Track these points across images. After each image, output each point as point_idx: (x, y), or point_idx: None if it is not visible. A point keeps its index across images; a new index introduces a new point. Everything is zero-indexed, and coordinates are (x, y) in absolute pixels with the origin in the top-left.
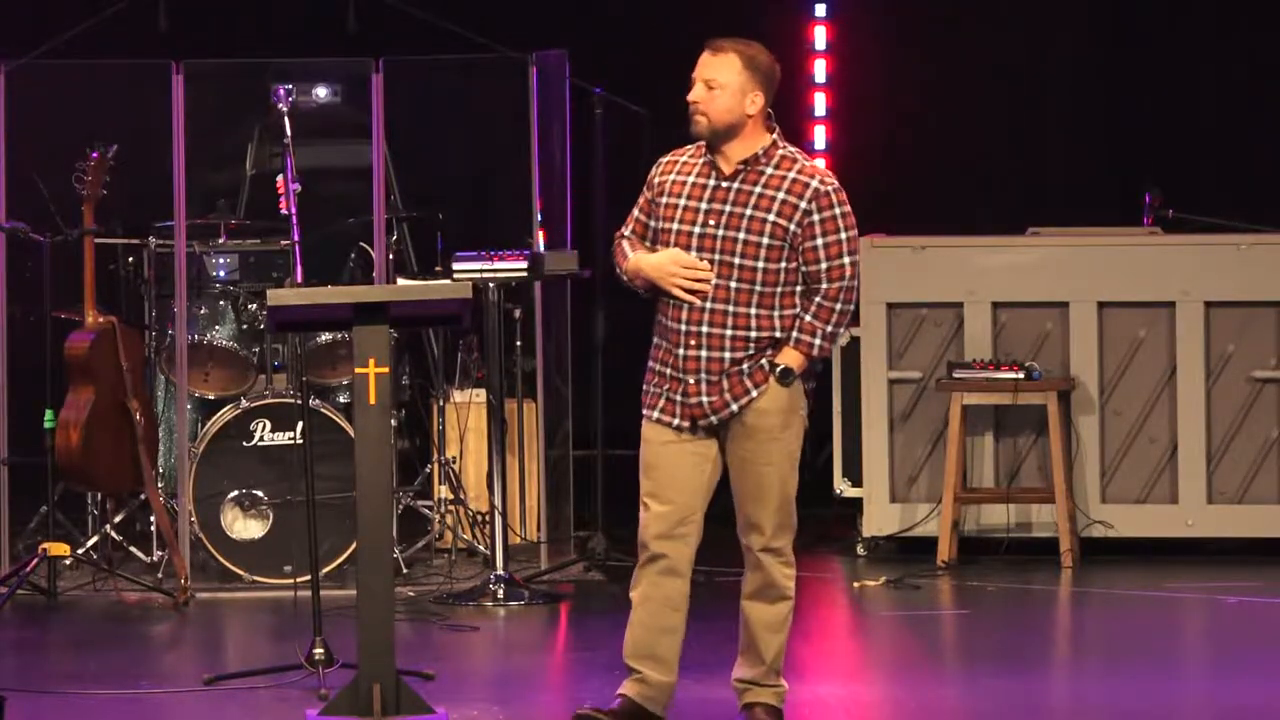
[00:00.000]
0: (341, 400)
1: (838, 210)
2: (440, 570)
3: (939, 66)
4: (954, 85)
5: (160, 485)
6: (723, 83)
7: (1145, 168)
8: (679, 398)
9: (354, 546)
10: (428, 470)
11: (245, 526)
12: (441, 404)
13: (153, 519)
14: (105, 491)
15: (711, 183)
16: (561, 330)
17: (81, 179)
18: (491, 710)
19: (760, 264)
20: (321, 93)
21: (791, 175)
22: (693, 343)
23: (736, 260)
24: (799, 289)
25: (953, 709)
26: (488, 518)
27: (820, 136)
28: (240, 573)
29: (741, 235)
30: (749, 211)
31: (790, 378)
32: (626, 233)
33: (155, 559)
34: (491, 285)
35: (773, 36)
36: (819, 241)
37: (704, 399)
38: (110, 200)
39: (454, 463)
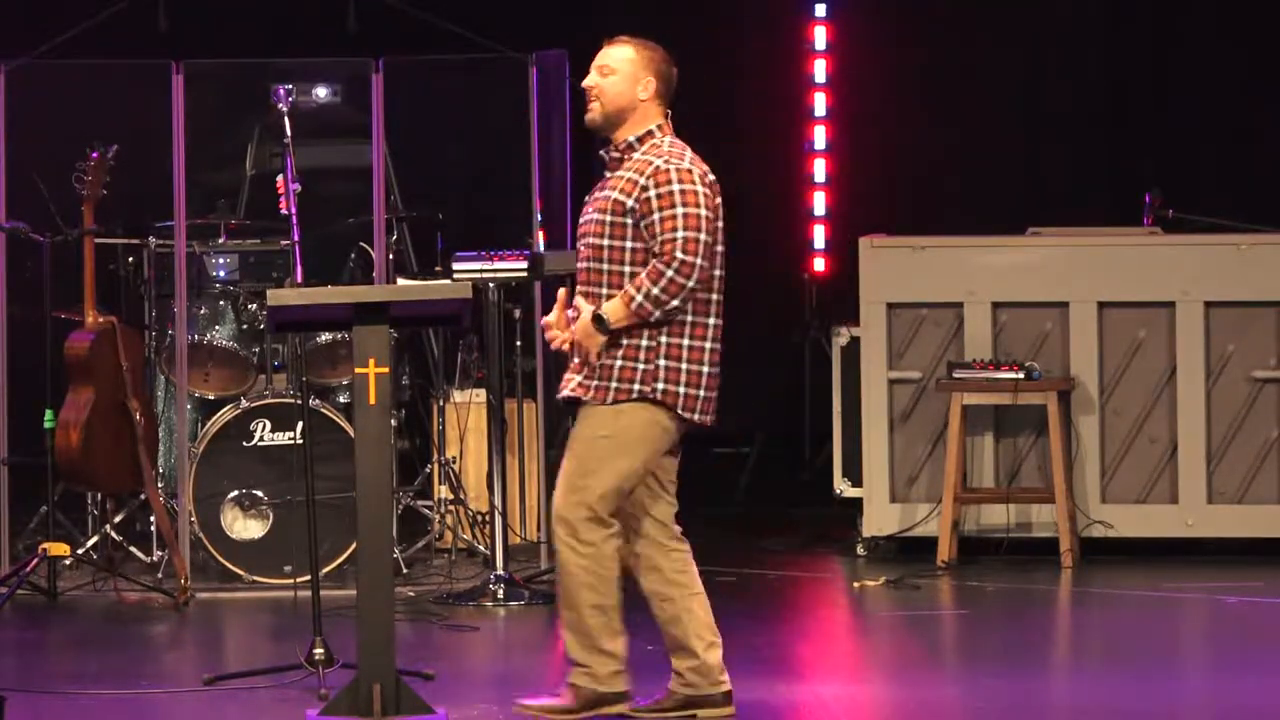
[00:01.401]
0: (342, 400)
1: (675, 187)
2: (440, 570)
3: (939, 66)
4: (954, 85)
5: (160, 485)
6: (614, 68)
7: (1145, 168)
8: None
9: (354, 546)
10: (428, 470)
11: (245, 526)
12: (441, 404)
13: (153, 519)
14: (105, 491)
15: (607, 172)
16: None
17: (81, 179)
18: (491, 710)
19: (605, 241)
20: (321, 93)
21: (645, 157)
22: (573, 321)
23: (593, 240)
24: None
25: (953, 709)
26: (488, 518)
27: (820, 136)
28: (240, 573)
29: (597, 215)
30: (606, 191)
31: (601, 324)
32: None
33: (155, 559)
34: (491, 285)
35: (773, 36)
36: (655, 216)
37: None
38: (110, 200)
39: (454, 463)
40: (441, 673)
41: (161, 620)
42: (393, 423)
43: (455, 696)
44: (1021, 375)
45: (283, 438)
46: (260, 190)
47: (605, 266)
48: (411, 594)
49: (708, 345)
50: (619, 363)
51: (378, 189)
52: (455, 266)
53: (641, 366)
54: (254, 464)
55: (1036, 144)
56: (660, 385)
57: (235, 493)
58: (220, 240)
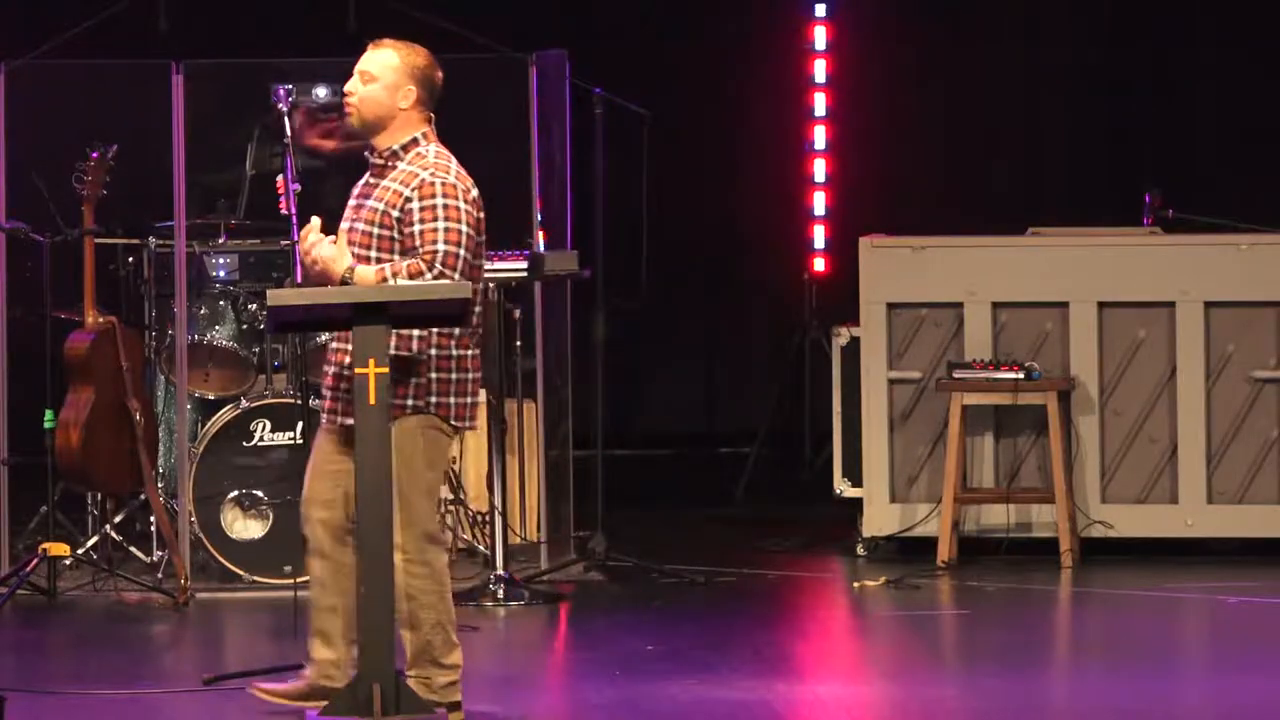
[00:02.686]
0: None
1: (440, 201)
2: None
3: (938, 66)
4: (953, 85)
5: (160, 485)
6: (375, 75)
7: (1145, 167)
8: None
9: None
10: None
11: (245, 526)
12: None
13: (153, 519)
14: (105, 491)
15: (363, 180)
16: (561, 330)
17: (81, 179)
18: (492, 710)
19: (372, 254)
20: (321, 93)
21: (409, 167)
22: (341, 337)
23: (358, 250)
24: None
25: (953, 709)
26: (487, 518)
27: (820, 136)
28: (240, 573)
29: (362, 226)
30: (371, 202)
31: (348, 281)
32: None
33: (155, 559)
34: (491, 285)
35: (773, 36)
36: (417, 228)
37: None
38: (110, 200)
39: (454, 463)
40: None
41: (161, 620)
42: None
43: None
44: (1021, 375)
45: (283, 438)
46: (260, 190)
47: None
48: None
49: (470, 353)
50: (394, 377)
51: None
52: None
53: (414, 380)
54: (254, 464)
55: (1036, 144)
56: (434, 399)
57: (235, 493)
58: (220, 240)
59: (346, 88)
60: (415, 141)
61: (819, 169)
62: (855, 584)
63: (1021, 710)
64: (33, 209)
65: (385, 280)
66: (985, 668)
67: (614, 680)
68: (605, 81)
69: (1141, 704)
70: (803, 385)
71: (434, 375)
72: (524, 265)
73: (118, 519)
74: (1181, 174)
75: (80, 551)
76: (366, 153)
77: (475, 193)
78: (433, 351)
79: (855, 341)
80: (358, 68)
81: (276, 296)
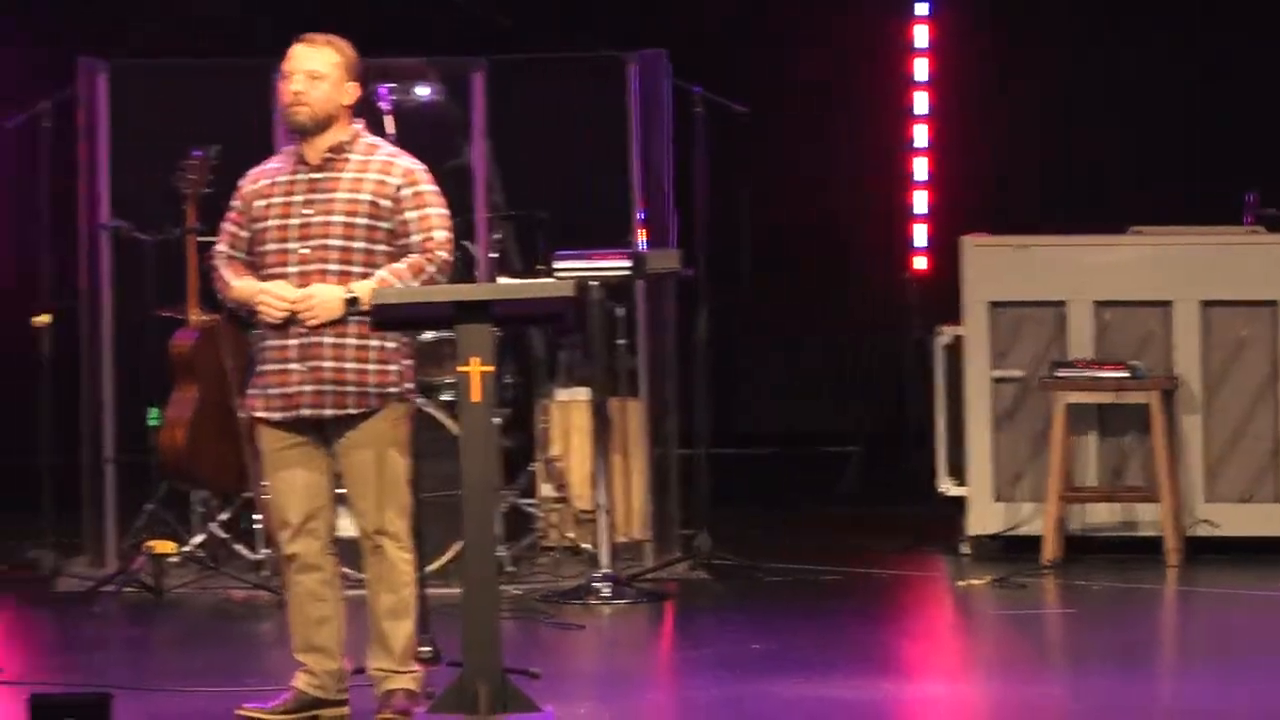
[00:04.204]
0: (445, 398)
1: (426, 186)
2: (545, 569)
3: (1040, 64)
4: (1054, 83)
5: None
6: (323, 73)
7: (1246, 167)
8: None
9: (459, 545)
10: (532, 469)
11: (348, 524)
12: (545, 402)
13: (258, 517)
14: (210, 490)
15: (301, 176)
16: (664, 329)
17: (184, 178)
18: (598, 709)
19: (358, 244)
20: (423, 92)
21: (380, 158)
22: (303, 330)
23: (334, 242)
24: None
25: (1058, 709)
26: (592, 516)
27: (921, 136)
28: (346, 570)
29: (338, 218)
30: (341, 194)
31: (354, 307)
32: (224, 249)
33: (261, 556)
34: (594, 284)
35: (873, 36)
36: (411, 214)
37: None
38: (213, 199)
39: (558, 461)
40: (547, 671)
41: (266, 617)
42: (497, 421)
43: (561, 695)
44: (1125, 374)
45: None
46: None
47: (356, 269)
48: (517, 592)
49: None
50: (373, 367)
51: (479, 188)
52: (557, 265)
53: (392, 368)
54: None
55: (1139, 142)
56: (408, 385)
57: (339, 491)
58: None
59: (294, 87)
60: (358, 134)
61: (920, 168)
62: (959, 583)
63: (1128, 711)
64: (137, 208)
65: (385, 284)
66: (1091, 667)
67: (719, 679)
68: (704, 80)
69: (1253, 705)
70: (906, 384)
71: (406, 363)
72: (626, 264)
73: (223, 517)
74: None
75: (186, 549)
76: (299, 148)
77: None
78: (402, 340)
79: (958, 340)
80: (301, 66)
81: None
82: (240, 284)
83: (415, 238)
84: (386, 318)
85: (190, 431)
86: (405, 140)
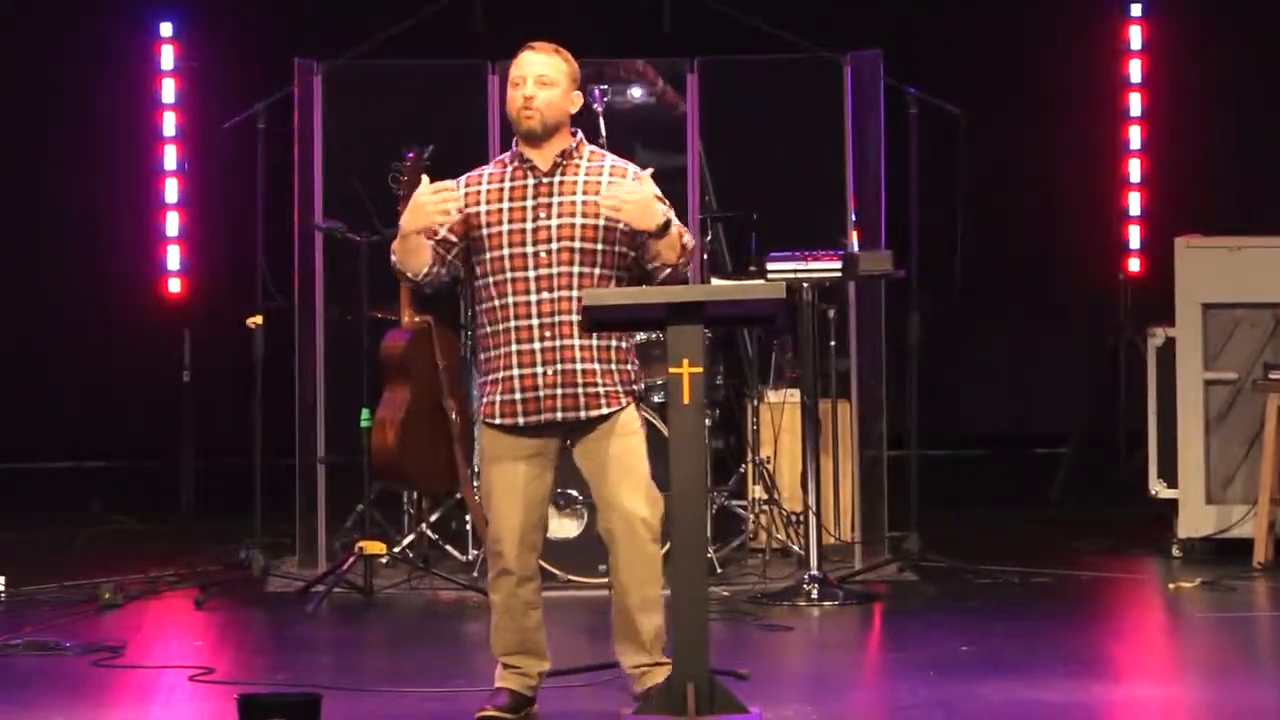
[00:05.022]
0: (656, 400)
1: (658, 190)
2: (754, 570)
3: (1255, 64)
4: (1271, 83)
5: (475, 484)
6: (554, 80)
7: None
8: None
9: (668, 546)
10: (742, 470)
11: (560, 525)
12: (756, 404)
13: (468, 518)
14: (421, 491)
15: (531, 181)
16: (875, 331)
17: (397, 179)
18: (805, 710)
19: (599, 246)
20: (636, 93)
21: (608, 164)
22: (548, 334)
23: (577, 244)
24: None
25: (1269, 712)
26: (802, 518)
27: (1135, 137)
28: (555, 572)
29: (578, 220)
30: (578, 197)
31: (665, 231)
32: None
33: (470, 558)
34: (805, 285)
35: (1086, 37)
36: None
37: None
38: None
39: (768, 462)
40: (755, 672)
41: (476, 619)
42: (707, 422)
43: (769, 696)
44: None
45: None
46: None
47: (598, 271)
48: (725, 594)
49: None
50: (616, 367)
51: (692, 189)
52: (769, 266)
53: (630, 367)
54: (568, 463)
55: None
56: (643, 381)
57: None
58: None
59: (526, 92)
60: (581, 142)
61: (1134, 169)
62: (1170, 585)
63: None
64: (350, 209)
65: (683, 235)
66: None
67: (928, 681)
68: (917, 80)
69: None
70: (1117, 386)
71: (636, 363)
72: (838, 265)
73: (433, 518)
74: None
75: (396, 550)
76: (526, 154)
77: None
78: (631, 340)
79: (1170, 342)
80: (532, 72)
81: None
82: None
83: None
84: (598, 318)
85: (401, 432)
86: (615, 141)
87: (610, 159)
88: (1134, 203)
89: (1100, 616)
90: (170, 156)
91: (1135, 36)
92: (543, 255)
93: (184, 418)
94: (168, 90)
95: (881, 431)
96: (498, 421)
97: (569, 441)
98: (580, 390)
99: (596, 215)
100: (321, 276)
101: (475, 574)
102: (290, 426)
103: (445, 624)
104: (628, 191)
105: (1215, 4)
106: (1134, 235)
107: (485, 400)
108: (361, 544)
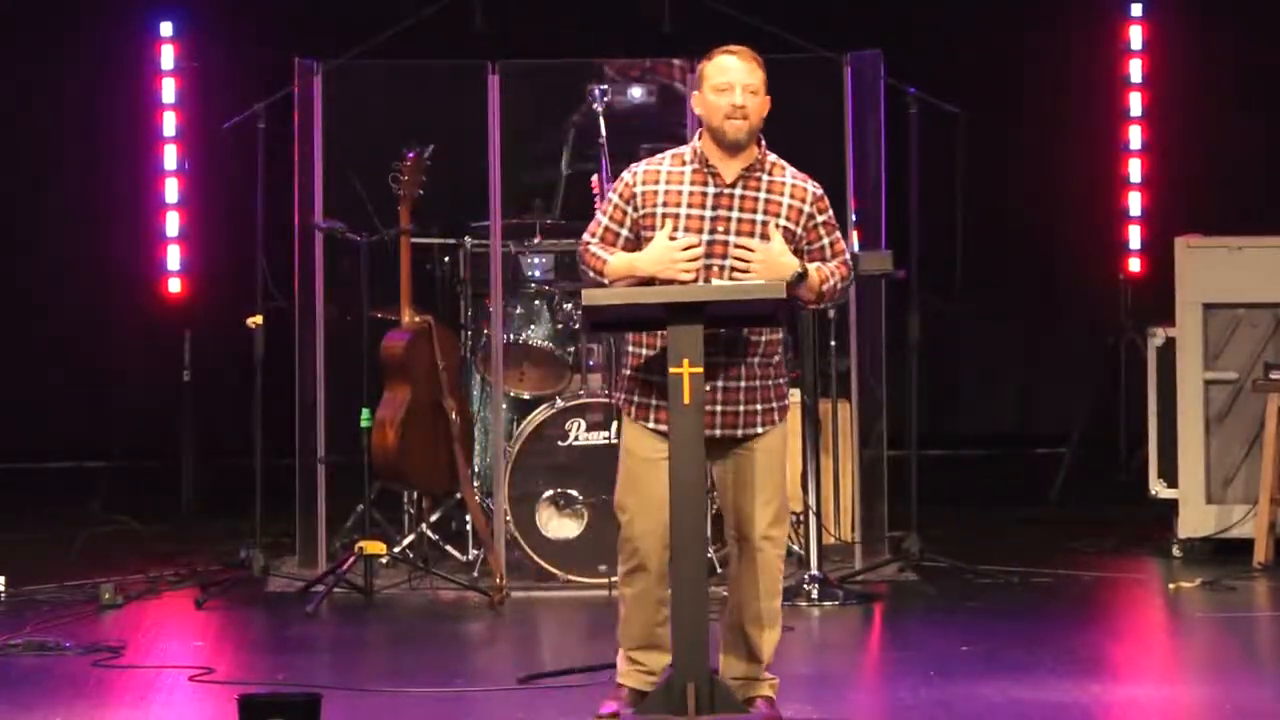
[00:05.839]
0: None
1: (831, 212)
2: None
3: (1256, 63)
4: (1270, 82)
5: (475, 484)
6: (758, 88)
7: None
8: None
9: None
10: None
11: (560, 526)
12: None
13: (468, 518)
14: (421, 490)
15: (712, 189)
16: (876, 330)
17: (398, 179)
18: (806, 710)
19: None
20: (636, 93)
21: (789, 181)
22: (710, 348)
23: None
24: None
25: (1270, 711)
26: (802, 518)
27: (1135, 136)
28: (555, 572)
29: (756, 241)
30: (759, 216)
31: (800, 281)
32: (593, 240)
33: (471, 558)
34: None
35: (1087, 37)
36: (825, 241)
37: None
38: (426, 200)
39: None
40: None
41: (477, 618)
42: None
43: None
44: None
45: (597, 437)
46: (576, 190)
47: None
48: (725, 594)
49: None
50: (773, 383)
51: None
52: None
53: (782, 382)
54: (569, 463)
55: None
56: (787, 401)
57: (550, 492)
58: (535, 240)
59: (737, 100)
60: (766, 153)
61: (1134, 169)
62: (1171, 585)
63: None
64: (350, 209)
65: (825, 281)
66: None
67: (929, 680)
68: (917, 80)
69: None
70: (1118, 386)
71: (785, 376)
72: None
73: (434, 518)
74: None
75: (396, 550)
76: (710, 162)
77: None
78: (780, 355)
79: (1170, 342)
80: (739, 80)
81: (591, 296)
82: (618, 258)
83: (831, 263)
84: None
85: (401, 432)
86: (614, 140)
87: (790, 174)
88: (1134, 203)
89: (1100, 616)
90: (170, 156)
91: (1135, 36)
92: (714, 269)
93: (184, 418)
94: (168, 90)
95: (881, 431)
96: (653, 426)
97: (717, 453)
98: (744, 409)
99: (770, 237)
100: (321, 276)
101: (475, 574)
102: (290, 426)
103: (445, 624)
104: (757, 259)
105: (1215, 4)
106: (1134, 235)
107: (637, 401)
108: (361, 544)
